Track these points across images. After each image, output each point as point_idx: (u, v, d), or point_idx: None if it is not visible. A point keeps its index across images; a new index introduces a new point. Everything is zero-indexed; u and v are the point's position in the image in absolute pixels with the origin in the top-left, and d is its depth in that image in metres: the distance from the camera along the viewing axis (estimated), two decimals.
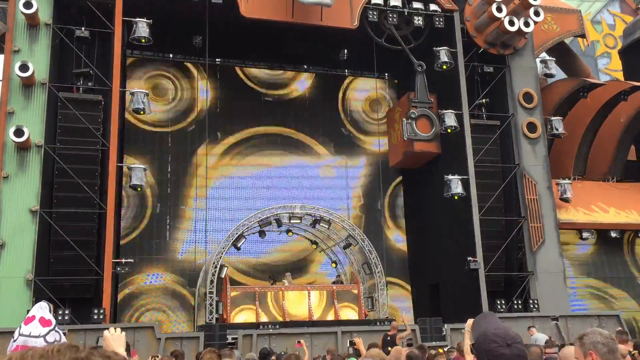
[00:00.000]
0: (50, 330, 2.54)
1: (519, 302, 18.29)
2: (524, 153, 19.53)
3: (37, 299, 14.22)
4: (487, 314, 3.95)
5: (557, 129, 20.45)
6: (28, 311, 2.73)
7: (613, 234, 20.95)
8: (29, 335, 2.50)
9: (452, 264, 19.20)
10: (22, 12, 15.53)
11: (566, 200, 20.26)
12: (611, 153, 22.71)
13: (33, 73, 15.33)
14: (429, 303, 21.40)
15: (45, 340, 2.48)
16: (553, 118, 20.63)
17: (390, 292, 21.55)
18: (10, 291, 14.31)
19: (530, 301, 18.22)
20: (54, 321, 2.60)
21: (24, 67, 15.18)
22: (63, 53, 17.11)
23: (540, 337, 13.09)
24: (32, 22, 15.86)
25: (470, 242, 18.25)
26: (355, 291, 19.20)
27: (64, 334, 2.72)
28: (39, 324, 2.55)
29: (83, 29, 16.83)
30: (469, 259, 17.88)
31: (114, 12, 16.60)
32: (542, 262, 18.80)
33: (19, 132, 14.85)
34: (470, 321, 4.99)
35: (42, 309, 2.60)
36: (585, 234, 20.69)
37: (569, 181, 20.63)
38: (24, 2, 15.46)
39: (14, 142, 14.90)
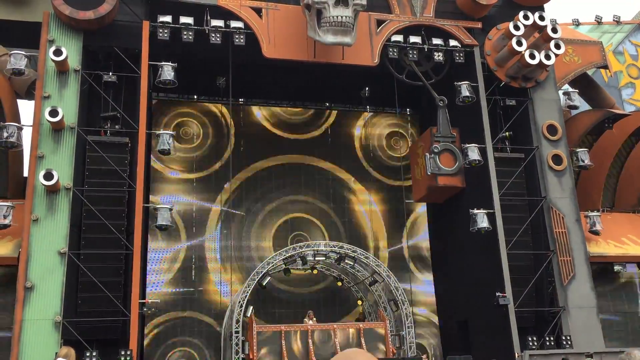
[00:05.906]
0: None
1: (551, 338, 17.79)
2: (551, 185, 19.27)
3: (64, 341, 14.28)
4: None
5: (583, 161, 20.17)
6: (56, 354, 2.75)
7: None
8: None
9: (480, 299, 18.84)
10: (52, 60, 16.00)
11: (596, 232, 19.84)
12: None
13: (62, 118, 15.70)
14: (458, 340, 20.96)
15: None
16: (579, 150, 20.38)
17: (418, 329, 21.16)
18: (39, 333, 14.35)
19: (563, 337, 17.71)
20: None
21: (53, 113, 15.55)
22: (91, 97, 17.52)
23: None
24: (62, 69, 16.31)
25: (499, 277, 17.92)
26: (382, 329, 18.93)
27: None
28: None
29: (110, 73, 17.26)
30: (497, 294, 17.54)
31: (140, 57, 17.02)
32: (573, 297, 18.33)
33: (48, 176, 15.12)
34: None
35: None
36: (617, 267, 20.17)
37: (598, 213, 20.21)
38: (54, 49, 15.94)
39: (44, 185, 15.19)
